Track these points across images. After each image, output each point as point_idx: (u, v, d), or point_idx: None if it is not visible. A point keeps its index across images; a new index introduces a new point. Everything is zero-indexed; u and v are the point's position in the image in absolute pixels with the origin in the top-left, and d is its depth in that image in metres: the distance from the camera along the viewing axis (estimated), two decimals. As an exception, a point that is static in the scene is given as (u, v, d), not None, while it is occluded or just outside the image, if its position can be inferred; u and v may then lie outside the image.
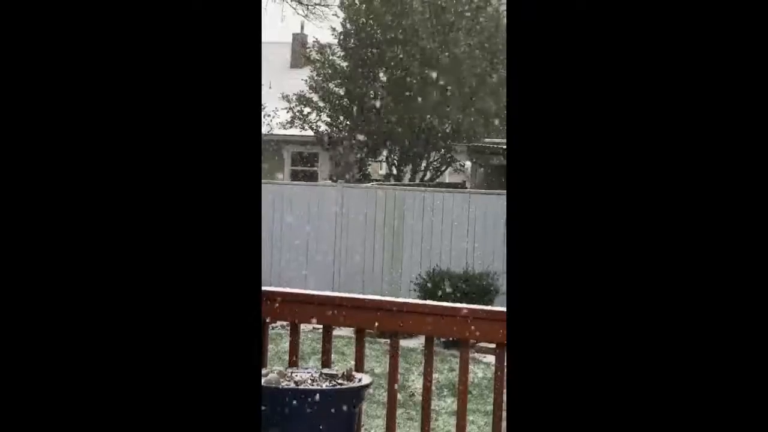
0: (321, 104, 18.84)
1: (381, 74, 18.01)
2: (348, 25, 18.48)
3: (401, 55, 17.56)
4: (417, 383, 8.19)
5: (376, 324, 3.38)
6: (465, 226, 12.60)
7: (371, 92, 17.93)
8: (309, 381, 3.15)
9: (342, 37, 18.53)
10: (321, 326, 3.50)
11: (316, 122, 18.97)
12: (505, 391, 3.23)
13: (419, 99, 17.40)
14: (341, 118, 18.77)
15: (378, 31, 18.01)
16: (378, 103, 17.82)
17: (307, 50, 19.88)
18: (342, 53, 18.69)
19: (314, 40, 19.53)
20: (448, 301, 6.16)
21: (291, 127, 19.26)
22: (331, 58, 18.83)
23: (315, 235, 13.27)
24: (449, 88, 17.29)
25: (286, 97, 18.77)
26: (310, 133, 19.18)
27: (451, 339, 7.33)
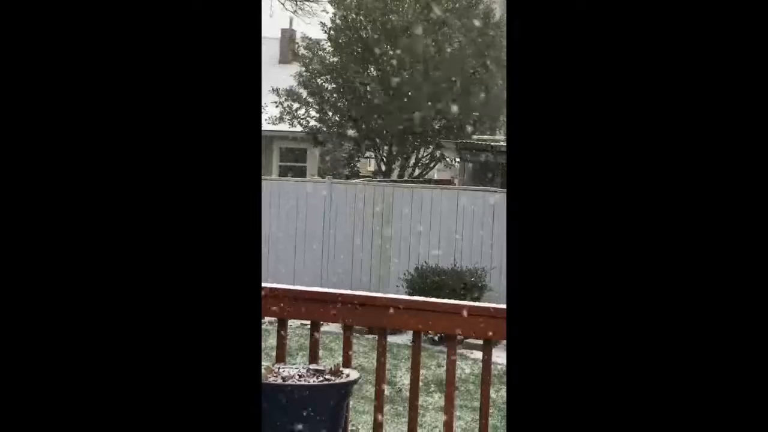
0: (310, 100, 18.81)
1: (371, 70, 18.00)
2: (338, 21, 18.46)
3: (391, 51, 17.56)
4: (405, 379, 8.20)
5: (364, 319, 3.38)
6: (453, 222, 12.62)
7: (360, 88, 17.92)
8: (296, 377, 3.15)
9: (331, 32, 18.51)
10: (309, 322, 3.49)
11: (305, 118, 18.96)
12: (491, 387, 3.24)
13: (409, 95, 17.40)
14: (330, 114, 18.75)
15: (368, 27, 18.00)
16: (367, 99, 17.81)
17: (296, 45, 19.82)
18: (331, 49, 18.67)
19: (303, 35, 19.49)
20: (435, 297, 6.17)
21: (280, 122, 19.23)
22: (320, 53, 18.81)
23: (303, 230, 13.26)
24: (440, 84, 17.30)
25: (276, 91, 18.75)
26: (299, 128, 19.16)
27: (438, 335, 7.33)
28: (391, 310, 3.30)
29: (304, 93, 18.85)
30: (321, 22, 18.75)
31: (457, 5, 17.90)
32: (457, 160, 17.20)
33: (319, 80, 18.69)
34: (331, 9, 18.86)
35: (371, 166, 20.50)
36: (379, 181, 16.14)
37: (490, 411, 3.21)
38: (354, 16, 18.21)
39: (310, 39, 19.17)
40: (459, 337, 3.32)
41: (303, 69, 18.91)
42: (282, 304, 3.39)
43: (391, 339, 3.55)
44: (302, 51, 19.21)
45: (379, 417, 3.35)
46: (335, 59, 18.54)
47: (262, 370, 3.12)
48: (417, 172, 19.17)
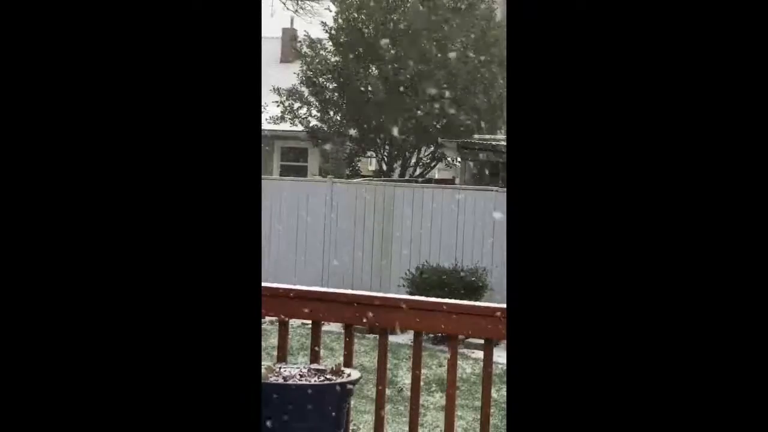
0: (311, 99, 18.80)
1: (373, 69, 17.98)
2: (340, 20, 18.45)
3: (393, 51, 17.55)
4: (406, 379, 8.19)
5: (365, 319, 3.38)
6: (454, 222, 12.61)
7: (362, 87, 17.91)
8: (298, 376, 3.15)
9: (333, 31, 18.50)
10: (310, 322, 3.49)
11: (306, 117, 18.94)
12: (492, 386, 3.24)
13: (410, 95, 17.40)
14: (331, 113, 18.75)
15: (370, 26, 17.99)
16: (369, 99, 17.80)
17: (298, 44, 19.74)
18: (333, 48, 18.66)
19: (305, 33, 19.46)
20: (436, 297, 6.17)
21: (281, 122, 19.22)
22: (322, 52, 18.79)
23: (304, 230, 13.26)
24: (441, 84, 17.29)
25: (276, 90, 18.73)
26: (300, 128, 19.14)
27: (439, 334, 7.34)
28: (392, 310, 3.30)
29: (305, 92, 18.84)
30: (322, 22, 18.73)
31: (458, 5, 17.89)
32: (458, 159, 17.20)
33: (321, 79, 18.68)
34: (333, 8, 18.85)
35: (372, 166, 20.49)
36: (381, 180, 16.13)
37: (492, 411, 3.21)
38: (356, 15, 18.20)
39: (312, 38, 19.16)
40: (460, 337, 3.32)
41: (305, 68, 18.90)
42: (283, 304, 3.39)
43: (392, 338, 3.55)
44: (305, 49, 19.18)
45: (381, 415, 3.35)
46: (337, 58, 18.53)
47: (264, 370, 3.12)
48: (418, 171, 19.17)
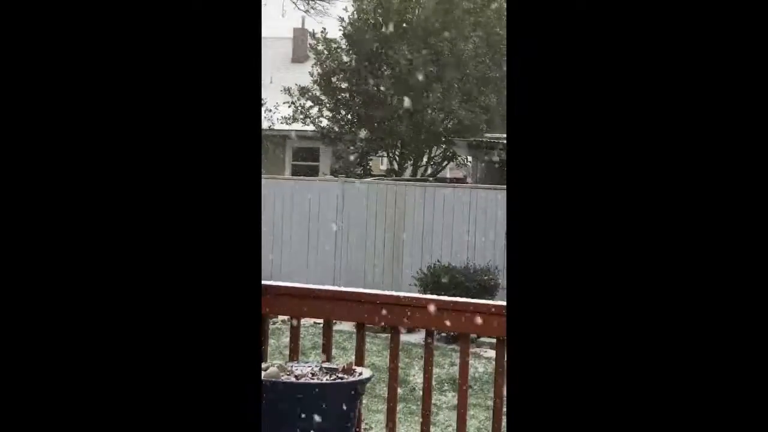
0: (323, 98, 18.81)
1: (385, 68, 17.99)
2: (353, 20, 18.44)
3: (406, 50, 17.55)
4: (418, 378, 8.20)
5: (377, 318, 3.38)
6: (466, 221, 12.61)
7: (374, 87, 17.92)
8: (309, 375, 3.15)
9: (348, 28, 18.49)
10: (321, 320, 3.50)
11: (317, 117, 18.95)
12: (504, 385, 3.24)
13: (422, 94, 17.40)
14: (343, 112, 18.75)
15: (383, 26, 17.99)
16: (380, 98, 17.81)
17: (316, 42, 19.66)
18: (346, 47, 18.66)
19: (323, 29, 19.40)
20: (448, 296, 6.17)
21: (293, 122, 19.24)
22: (339, 51, 18.78)
23: (316, 229, 13.28)
24: (453, 83, 17.30)
25: (287, 90, 18.75)
26: (312, 127, 19.16)
27: (451, 333, 7.35)
28: (404, 309, 3.30)
29: (317, 91, 18.85)
30: (340, 17, 18.72)
31: (471, 5, 17.89)
32: (470, 158, 17.19)
33: (333, 78, 18.69)
34: (345, 8, 18.87)
35: (384, 165, 20.50)
36: (392, 179, 16.14)
37: (504, 410, 3.21)
38: (371, 14, 18.21)
39: (325, 37, 19.16)
40: (472, 335, 3.32)
41: (317, 67, 18.90)
42: (295, 303, 3.40)
43: (404, 338, 3.56)
44: (320, 47, 19.16)
45: (392, 415, 3.36)
46: (349, 58, 18.55)
47: (276, 369, 3.13)
48: (429, 170, 19.16)
